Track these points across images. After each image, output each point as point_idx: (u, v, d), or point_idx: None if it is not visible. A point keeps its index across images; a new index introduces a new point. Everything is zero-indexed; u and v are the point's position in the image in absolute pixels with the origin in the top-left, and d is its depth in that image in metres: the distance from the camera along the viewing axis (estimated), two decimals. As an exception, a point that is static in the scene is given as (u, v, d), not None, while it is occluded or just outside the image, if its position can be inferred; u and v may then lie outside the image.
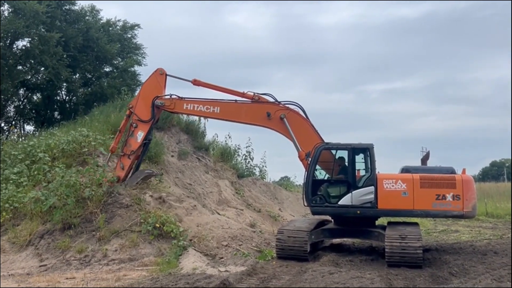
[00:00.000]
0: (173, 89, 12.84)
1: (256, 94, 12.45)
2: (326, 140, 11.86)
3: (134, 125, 12.90)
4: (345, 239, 13.22)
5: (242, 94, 12.52)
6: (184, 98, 12.78)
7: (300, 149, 11.75)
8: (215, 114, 12.64)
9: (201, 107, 12.65)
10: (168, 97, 12.87)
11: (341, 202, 11.10)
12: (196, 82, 12.94)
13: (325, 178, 11.80)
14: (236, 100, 12.59)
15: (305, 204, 11.51)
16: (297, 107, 12.25)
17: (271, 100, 12.46)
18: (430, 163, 12.50)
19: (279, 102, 12.33)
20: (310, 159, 11.34)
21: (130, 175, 13.11)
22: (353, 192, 11.03)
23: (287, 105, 12.26)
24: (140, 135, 12.82)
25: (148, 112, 12.83)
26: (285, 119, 12.00)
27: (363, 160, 11.54)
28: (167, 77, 13.08)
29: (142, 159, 13.42)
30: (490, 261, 10.31)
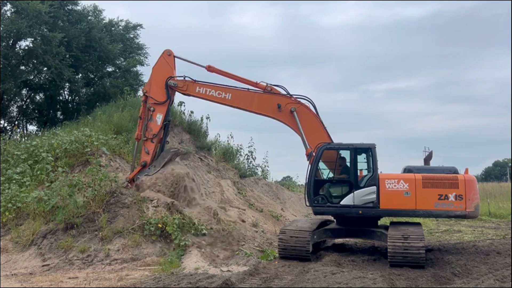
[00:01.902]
0: (187, 75, 13.10)
1: (269, 84, 12.53)
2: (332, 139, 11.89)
3: (152, 109, 13.16)
4: (347, 239, 13.22)
5: (255, 84, 12.64)
6: (198, 81, 12.93)
7: (308, 146, 11.79)
8: (226, 101, 12.68)
9: (213, 92, 12.74)
10: (182, 78, 13.05)
11: (343, 202, 11.12)
12: (210, 68, 13.03)
13: (327, 178, 11.79)
14: (248, 89, 12.66)
15: (307, 204, 11.52)
16: (308, 103, 12.30)
17: (284, 92, 12.49)
18: (434, 162, 12.52)
19: (291, 95, 12.37)
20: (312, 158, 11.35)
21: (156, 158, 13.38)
22: (355, 192, 11.04)
23: (299, 99, 12.29)
24: (159, 118, 13.13)
25: (163, 93, 13.08)
26: (295, 112, 12.07)
27: (365, 160, 11.53)
28: (176, 59, 13.30)
29: (165, 140, 13.70)
30: (493, 262, 10.30)
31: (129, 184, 13.27)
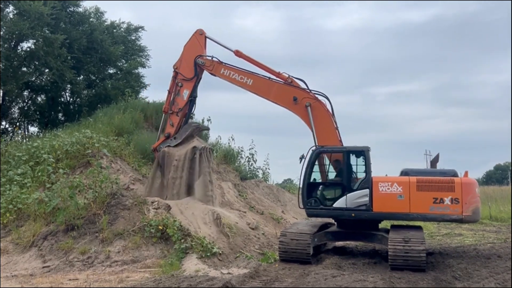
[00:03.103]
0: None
1: (290, 76, 12.76)
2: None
3: (180, 84, 13.91)
4: (348, 242, 13.19)
5: (278, 74, 12.91)
6: (224, 63, 13.39)
7: (317, 144, 11.85)
8: (247, 86, 13.09)
9: (235, 75, 13.21)
10: (210, 58, 13.60)
11: (336, 204, 11.11)
12: (237, 53, 13.48)
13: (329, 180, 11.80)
14: (269, 78, 12.96)
15: (301, 207, 11.58)
16: (326, 100, 12.37)
17: (303, 86, 12.67)
18: (437, 165, 12.42)
19: (310, 90, 12.49)
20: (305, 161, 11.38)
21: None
22: (348, 195, 11.01)
23: (316, 95, 12.39)
24: (185, 93, 13.90)
25: (191, 70, 13.75)
26: (309, 107, 12.15)
27: (362, 163, 11.56)
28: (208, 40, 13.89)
29: (189, 115, 14.48)
30: (494, 265, 10.26)
31: (153, 153, 14.38)
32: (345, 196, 11.00)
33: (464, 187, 10.48)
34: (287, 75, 12.78)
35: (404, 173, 11.23)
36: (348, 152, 11.34)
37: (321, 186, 11.57)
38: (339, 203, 11.04)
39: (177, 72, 13.95)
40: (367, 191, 10.87)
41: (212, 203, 13.62)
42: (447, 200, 10.44)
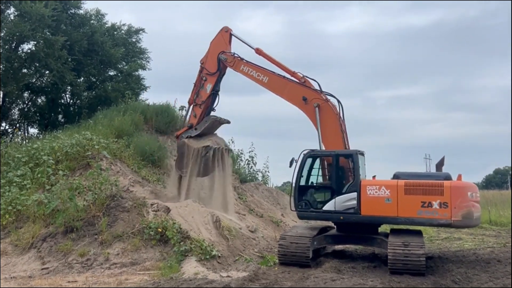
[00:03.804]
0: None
1: (304, 76, 13.04)
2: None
3: (204, 78, 14.77)
4: (347, 245, 13.18)
5: (293, 73, 13.27)
6: (245, 60, 14.03)
7: (321, 144, 12.03)
8: (263, 83, 13.58)
9: (253, 72, 13.75)
10: (232, 54, 14.30)
11: (325, 207, 11.21)
12: (258, 51, 14.00)
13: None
14: (284, 76, 13.30)
15: (292, 209, 11.75)
16: (338, 103, 12.46)
17: (316, 86, 12.89)
18: (434, 169, 12.36)
19: (322, 92, 12.66)
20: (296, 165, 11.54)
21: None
22: (336, 198, 11.09)
23: (327, 97, 12.52)
24: (208, 87, 14.71)
25: (215, 65, 14.53)
26: (317, 108, 12.28)
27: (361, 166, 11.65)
28: (233, 37, 14.63)
29: (211, 108, 15.09)
30: (494, 270, 10.25)
31: (176, 139, 15.70)
32: (334, 199, 11.10)
33: (453, 191, 10.14)
34: (301, 75, 13.09)
35: (396, 176, 11.17)
36: (336, 155, 11.45)
37: (311, 189, 11.73)
38: (328, 206, 11.16)
39: (203, 67, 14.75)
40: (355, 194, 10.91)
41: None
42: (435, 204, 10.18)
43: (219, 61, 14.42)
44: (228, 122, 15.50)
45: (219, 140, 15.06)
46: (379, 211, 10.65)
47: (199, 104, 14.82)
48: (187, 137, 14.97)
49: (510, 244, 15.05)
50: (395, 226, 12.34)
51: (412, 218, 10.41)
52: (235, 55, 14.21)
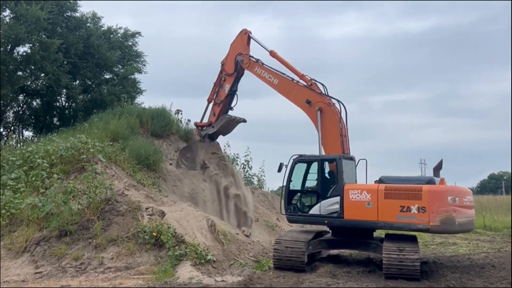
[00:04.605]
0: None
1: (312, 79, 13.28)
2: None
3: (223, 79, 15.65)
4: (342, 250, 13.18)
5: (301, 76, 13.61)
6: (260, 62, 14.60)
7: (320, 147, 12.31)
8: (273, 85, 14.03)
9: (265, 74, 14.28)
10: (248, 56, 14.94)
11: (311, 211, 11.44)
12: (272, 53, 14.56)
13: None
14: (293, 79, 13.69)
15: (282, 213, 11.99)
16: (343, 108, 12.59)
17: (322, 90, 13.14)
18: (429, 174, 12.41)
19: (327, 95, 12.87)
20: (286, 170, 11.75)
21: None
22: (321, 202, 11.26)
23: (332, 101, 12.68)
24: (227, 87, 15.57)
25: (233, 66, 15.32)
26: (319, 111, 12.50)
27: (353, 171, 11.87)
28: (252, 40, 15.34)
29: (229, 107, 16.00)
30: (488, 275, 10.29)
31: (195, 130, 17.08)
32: (319, 204, 11.28)
33: (431, 195, 9.96)
34: (309, 78, 13.35)
35: (381, 180, 11.16)
36: (321, 160, 11.71)
37: (300, 193, 11.95)
38: (314, 210, 11.38)
39: (222, 68, 15.61)
40: (338, 198, 11.00)
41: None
42: (414, 209, 10.04)
43: (237, 63, 15.13)
44: (244, 121, 16.21)
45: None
46: (360, 215, 10.68)
47: (218, 103, 15.69)
48: (205, 135, 16.32)
49: (505, 250, 15.09)
50: (390, 231, 12.34)
51: (391, 222, 10.37)
52: (251, 57, 14.79)
